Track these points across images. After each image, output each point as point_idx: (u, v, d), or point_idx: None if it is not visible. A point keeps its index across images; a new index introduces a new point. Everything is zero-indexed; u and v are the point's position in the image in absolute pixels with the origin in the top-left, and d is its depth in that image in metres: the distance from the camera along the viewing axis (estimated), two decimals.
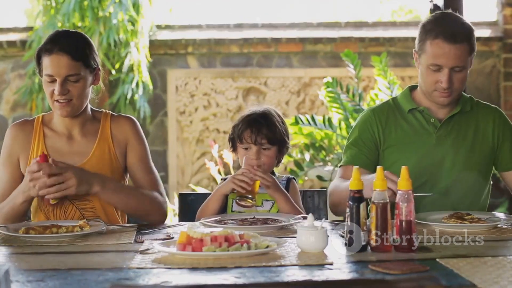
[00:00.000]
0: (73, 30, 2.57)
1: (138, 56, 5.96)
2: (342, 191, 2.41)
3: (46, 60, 2.42)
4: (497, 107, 2.74)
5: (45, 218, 2.49)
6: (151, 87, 6.09)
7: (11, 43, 6.21)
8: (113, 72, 5.87)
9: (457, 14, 2.61)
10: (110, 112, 2.65)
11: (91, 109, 2.62)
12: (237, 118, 2.69)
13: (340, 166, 2.66)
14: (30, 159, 2.51)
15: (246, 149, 2.59)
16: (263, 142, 2.57)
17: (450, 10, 2.64)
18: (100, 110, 2.66)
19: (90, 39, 2.55)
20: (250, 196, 2.47)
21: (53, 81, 2.43)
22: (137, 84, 5.98)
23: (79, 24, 5.98)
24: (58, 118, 2.55)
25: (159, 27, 6.36)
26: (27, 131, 2.56)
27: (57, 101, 2.44)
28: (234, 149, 2.66)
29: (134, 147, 2.59)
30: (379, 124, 2.63)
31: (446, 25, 2.49)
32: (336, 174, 2.75)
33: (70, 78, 2.42)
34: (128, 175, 2.64)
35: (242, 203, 2.49)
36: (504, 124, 2.68)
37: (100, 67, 2.55)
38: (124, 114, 2.68)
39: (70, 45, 2.43)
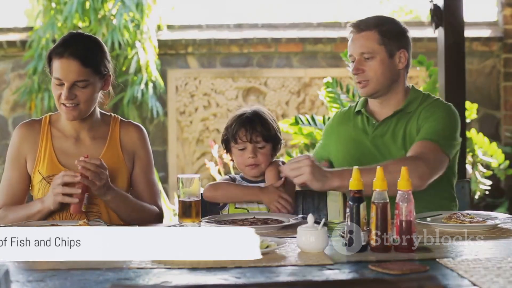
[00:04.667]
0: (87, 34, 2.54)
1: (145, 56, 5.96)
2: None
3: (56, 63, 2.41)
4: (431, 102, 2.62)
5: (50, 219, 2.48)
6: (162, 85, 6.10)
7: (11, 43, 6.21)
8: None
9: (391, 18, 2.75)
10: (119, 117, 2.65)
11: (100, 112, 2.61)
12: (228, 119, 2.69)
13: None
14: (38, 160, 2.51)
15: (241, 149, 2.59)
16: (258, 140, 2.57)
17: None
18: (109, 113, 2.65)
19: (103, 44, 2.53)
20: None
21: (61, 84, 2.42)
22: (146, 84, 5.99)
23: (80, 24, 5.99)
24: (65, 120, 2.54)
25: (160, 27, 6.36)
26: (35, 132, 2.55)
27: (63, 104, 2.44)
28: (227, 150, 2.66)
29: (140, 158, 2.61)
30: (335, 125, 2.78)
31: (357, 18, 2.66)
32: None
33: (78, 83, 2.41)
34: None
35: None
36: (425, 116, 2.56)
37: (111, 73, 2.54)
38: (133, 122, 2.67)
39: (82, 50, 2.41)
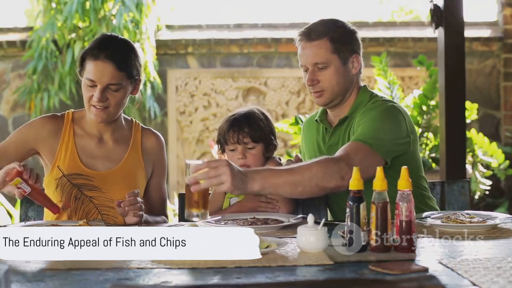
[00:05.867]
0: (122, 37, 2.54)
1: (144, 56, 5.96)
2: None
3: (90, 65, 2.41)
4: (369, 104, 2.54)
5: (67, 218, 2.49)
6: (160, 85, 6.10)
7: (11, 43, 6.21)
8: None
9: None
10: (139, 123, 2.67)
11: (122, 116, 2.62)
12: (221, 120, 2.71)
13: None
14: (58, 155, 2.51)
15: (232, 150, 2.61)
16: (246, 141, 2.58)
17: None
18: (130, 118, 2.66)
19: (136, 48, 2.52)
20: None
21: (93, 86, 2.41)
22: (144, 84, 5.99)
23: (80, 24, 5.99)
24: (90, 120, 2.54)
25: (158, 27, 6.36)
26: (56, 127, 2.55)
27: (93, 106, 2.44)
28: (223, 151, 2.68)
29: (159, 168, 2.66)
30: (304, 130, 2.81)
31: (307, 25, 2.61)
32: None
33: (111, 86, 2.42)
34: None
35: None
36: (359, 119, 2.50)
37: (141, 77, 2.54)
38: (153, 130, 2.69)
39: (117, 53, 2.42)
